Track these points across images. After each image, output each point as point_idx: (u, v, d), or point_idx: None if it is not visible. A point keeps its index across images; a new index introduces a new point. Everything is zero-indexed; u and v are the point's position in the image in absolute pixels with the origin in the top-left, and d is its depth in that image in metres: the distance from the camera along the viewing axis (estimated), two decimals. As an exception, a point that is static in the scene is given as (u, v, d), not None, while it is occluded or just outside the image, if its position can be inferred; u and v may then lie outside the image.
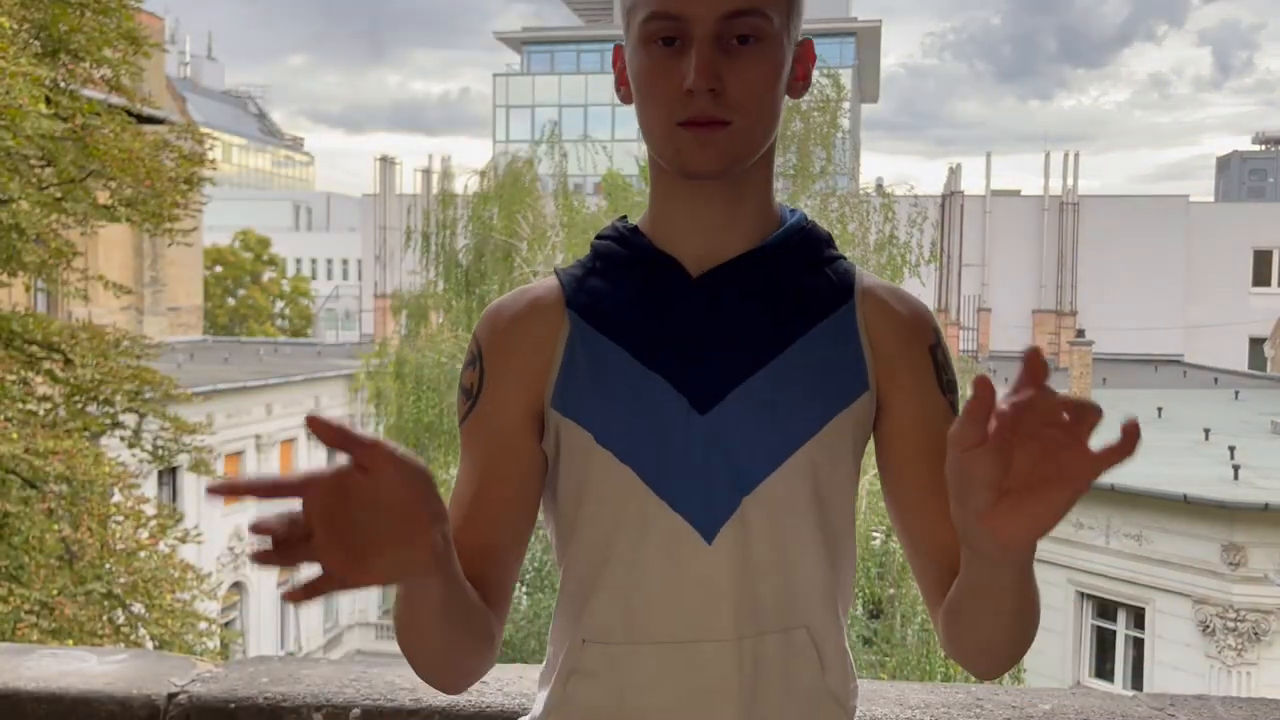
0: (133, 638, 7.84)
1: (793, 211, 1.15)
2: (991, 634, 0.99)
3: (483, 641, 1.03)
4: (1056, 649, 14.00)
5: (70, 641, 7.10)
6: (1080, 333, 23.06)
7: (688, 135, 1.02)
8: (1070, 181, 35.97)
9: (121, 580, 7.79)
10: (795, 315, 1.08)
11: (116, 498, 8.39)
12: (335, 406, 25.21)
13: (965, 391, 0.83)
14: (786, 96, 1.08)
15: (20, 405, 8.31)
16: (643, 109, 1.05)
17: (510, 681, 2.00)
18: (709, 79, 0.99)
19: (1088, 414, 0.79)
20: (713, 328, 1.06)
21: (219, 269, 47.90)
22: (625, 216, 1.17)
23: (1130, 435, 0.76)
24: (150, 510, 8.69)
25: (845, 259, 1.15)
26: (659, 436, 1.04)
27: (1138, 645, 13.43)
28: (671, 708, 1.04)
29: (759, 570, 1.04)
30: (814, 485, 1.06)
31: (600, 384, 1.05)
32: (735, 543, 1.03)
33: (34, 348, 8.54)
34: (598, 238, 1.15)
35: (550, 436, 1.09)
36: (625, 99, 1.09)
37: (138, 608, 7.94)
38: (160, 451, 9.18)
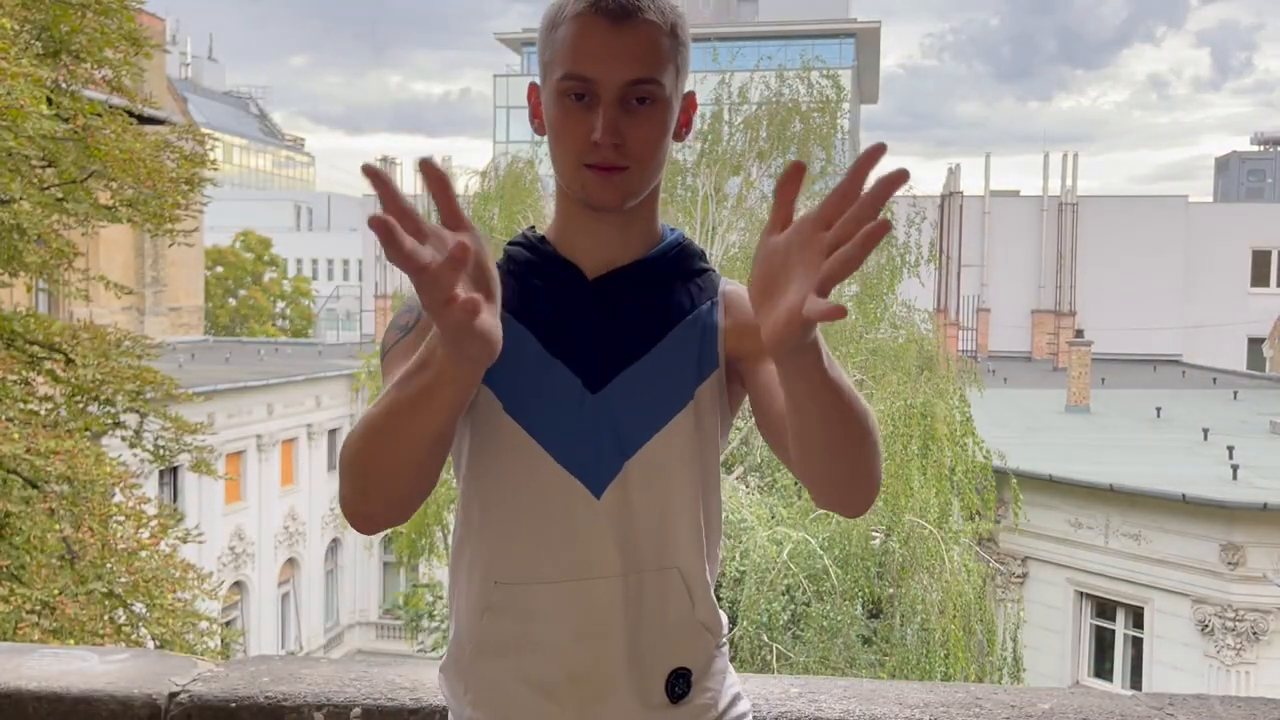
0: (134, 637, 7.83)
1: (672, 230, 1.38)
2: (827, 452, 1.11)
3: (425, 487, 1.14)
4: (1055, 648, 14.00)
5: (71, 641, 7.10)
6: (1079, 333, 23.03)
7: (593, 176, 1.24)
8: (1069, 182, 35.94)
9: (123, 580, 7.79)
10: (670, 312, 1.32)
11: (118, 498, 8.39)
12: (336, 406, 25.22)
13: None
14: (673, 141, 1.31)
15: (22, 405, 8.32)
16: (555, 148, 1.26)
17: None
18: (613, 135, 1.21)
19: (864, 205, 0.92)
20: (605, 322, 1.29)
21: (220, 269, 47.88)
22: (534, 226, 1.38)
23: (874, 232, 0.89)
24: (151, 510, 8.69)
25: (714, 270, 1.39)
26: (557, 410, 1.26)
27: (1137, 645, 13.44)
28: (567, 635, 1.25)
29: (639, 520, 1.26)
30: (684, 449, 1.28)
31: (511, 362, 1.18)
32: (619, 497, 1.25)
33: (35, 348, 8.54)
34: (510, 244, 1.36)
35: None
36: (539, 130, 1.31)
37: (139, 607, 7.93)
38: (161, 451, 9.18)
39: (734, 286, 1.37)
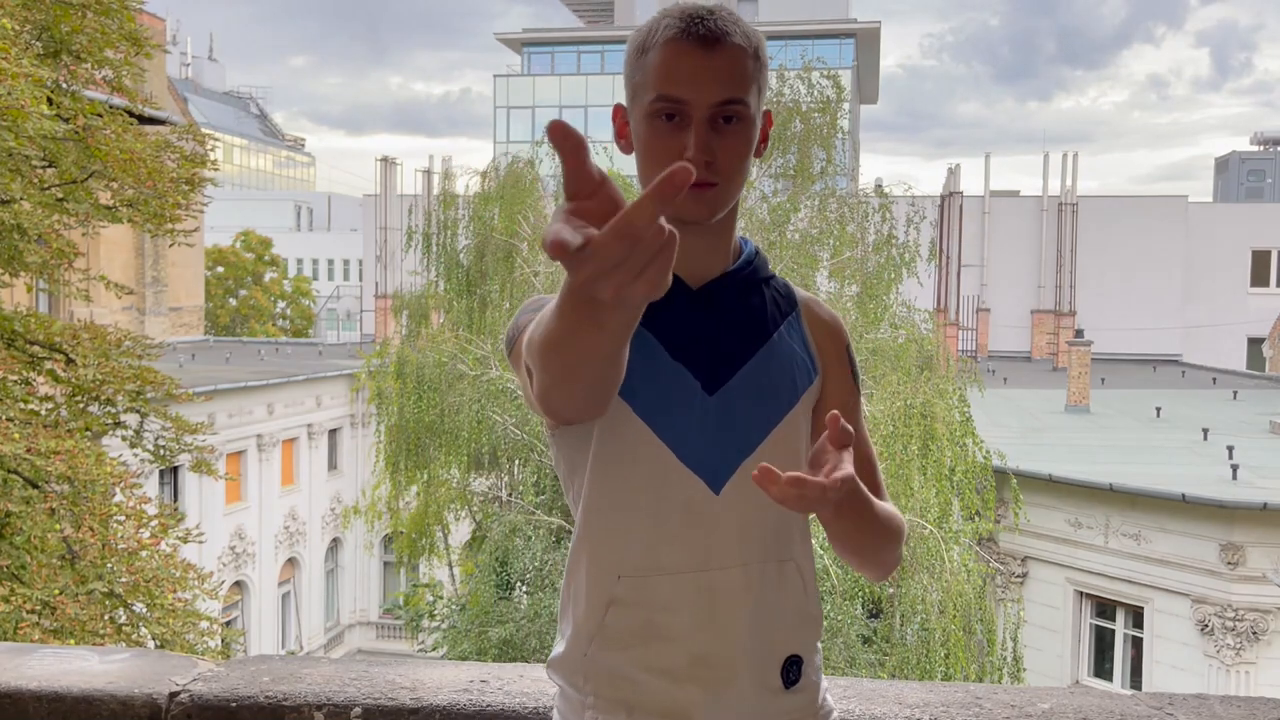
0: (134, 637, 7.83)
1: (745, 241, 1.46)
2: (856, 556, 1.35)
3: (611, 391, 1.18)
4: (1055, 648, 14.00)
5: (72, 641, 7.10)
6: (1079, 333, 23.03)
7: (685, 193, 1.16)
8: (1069, 182, 35.93)
9: (123, 580, 7.78)
10: (768, 317, 1.41)
11: (118, 497, 8.39)
12: (336, 406, 25.22)
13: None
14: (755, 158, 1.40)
15: (22, 405, 8.32)
16: (647, 167, 1.33)
17: (511, 680, 2.01)
18: (706, 153, 1.29)
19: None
20: (712, 327, 1.37)
21: (220, 269, 47.86)
22: None
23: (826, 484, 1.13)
24: (152, 510, 8.69)
25: (778, 276, 1.49)
26: (680, 412, 1.34)
27: (1136, 644, 13.43)
28: (691, 623, 1.31)
29: (756, 514, 1.33)
30: (792, 446, 1.38)
31: (642, 368, 1.29)
32: (737, 493, 1.33)
33: (36, 348, 8.54)
34: None
35: None
36: (625, 150, 1.38)
37: (139, 607, 7.93)
38: (162, 451, 9.18)
39: (805, 294, 1.49)
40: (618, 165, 15.57)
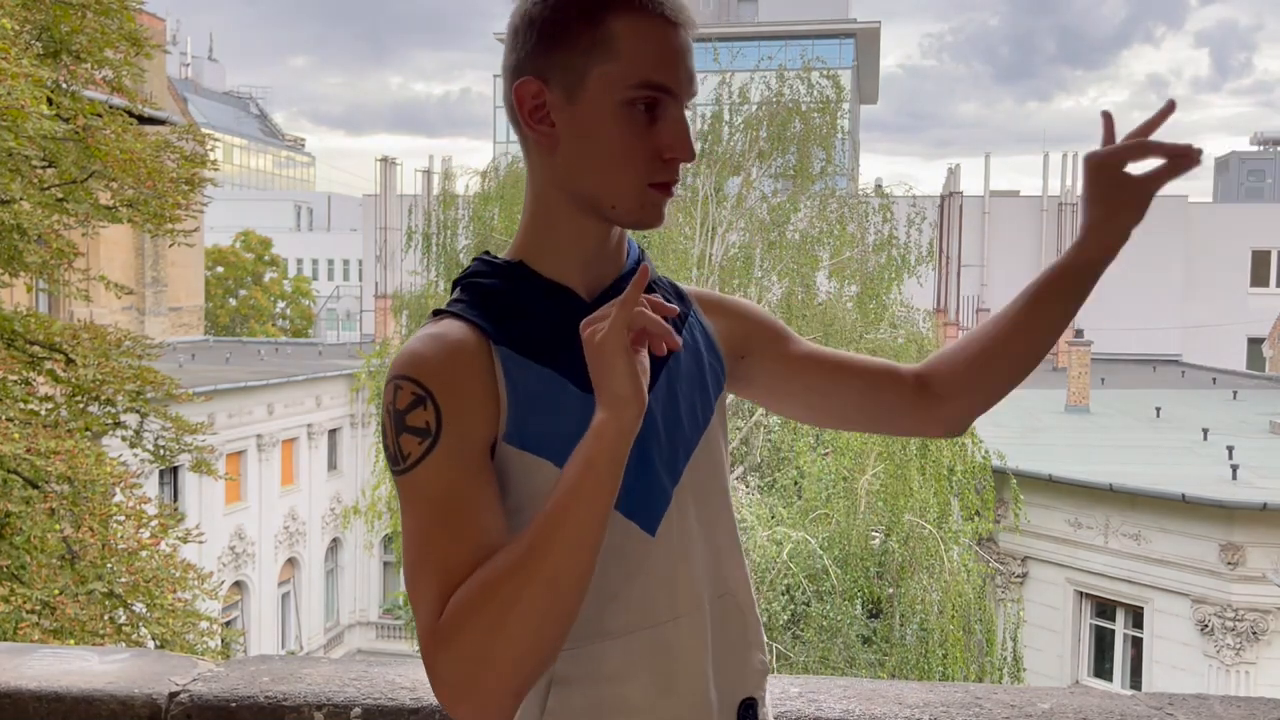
0: (134, 637, 7.83)
1: (630, 241, 1.26)
2: (1033, 341, 1.25)
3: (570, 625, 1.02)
4: (1055, 648, 14.00)
5: (72, 641, 7.10)
6: (1079, 333, 22.99)
7: (658, 196, 1.12)
8: (1069, 182, 35.93)
9: (123, 580, 7.79)
10: (671, 322, 1.19)
11: (118, 497, 8.39)
12: (336, 406, 25.22)
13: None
14: None
15: (22, 405, 8.31)
16: (611, 165, 1.09)
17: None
18: (693, 151, 1.11)
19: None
20: None
21: (220, 269, 47.86)
22: (488, 252, 1.21)
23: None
24: (152, 510, 8.69)
25: (661, 276, 1.29)
26: None
27: (1136, 644, 13.43)
28: (652, 691, 1.11)
29: (692, 549, 1.15)
30: (717, 463, 1.21)
31: (550, 414, 1.09)
32: (673, 529, 1.14)
33: (36, 348, 8.54)
34: (473, 278, 1.17)
35: (498, 470, 1.09)
36: (546, 141, 1.12)
37: (139, 607, 7.93)
38: (162, 451, 9.18)
39: (692, 289, 1.31)
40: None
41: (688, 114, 1.15)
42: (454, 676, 0.98)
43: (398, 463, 1.06)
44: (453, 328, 1.11)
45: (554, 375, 1.10)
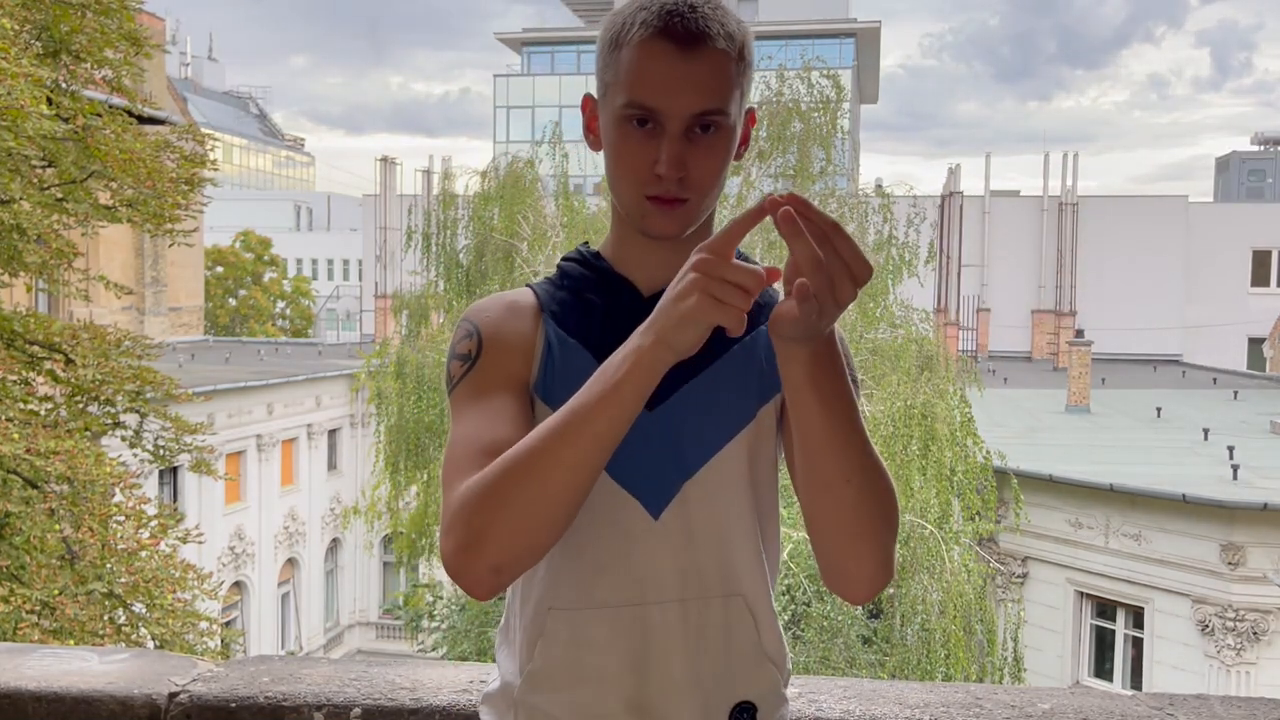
0: (134, 637, 7.83)
1: None
2: (841, 475, 1.14)
3: (565, 527, 1.10)
4: (1056, 648, 14.00)
5: (71, 641, 7.10)
6: (1079, 333, 23.02)
7: (654, 208, 1.21)
8: (1069, 182, 35.94)
9: (123, 580, 7.79)
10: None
11: (118, 498, 8.39)
12: (336, 406, 25.22)
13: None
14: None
15: (22, 405, 8.31)
16: (614, 174, 1.22)
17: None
18: (679, 169, 1.17)
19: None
20: None
21: (220, 269, 47.88)
22: (588, 242, 1.36)
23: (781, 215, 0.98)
24: (151, 510, 8.69)
25: (772, 288, 1.29)
26: None
27: (1137, 645, 13.43)
28: (624, 664, 1.19)
29: (699, 543, 1.22)
30: (744, 470, 1.25)
31: (571, 380, 1.15)
32: (678, 519, 1.21)
33: (35, 348, 8.54)
34: (564, 259, 1.34)
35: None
36: (594, 146, 1.27)
37: (139, 607, 7.93)
38: (161, 451, 9.18)
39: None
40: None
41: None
42: (456, 535, 1.08)
43: (448, 384, 1.26)
44: (519, 292, 1.31)
45: (586, 354, 1.23)
